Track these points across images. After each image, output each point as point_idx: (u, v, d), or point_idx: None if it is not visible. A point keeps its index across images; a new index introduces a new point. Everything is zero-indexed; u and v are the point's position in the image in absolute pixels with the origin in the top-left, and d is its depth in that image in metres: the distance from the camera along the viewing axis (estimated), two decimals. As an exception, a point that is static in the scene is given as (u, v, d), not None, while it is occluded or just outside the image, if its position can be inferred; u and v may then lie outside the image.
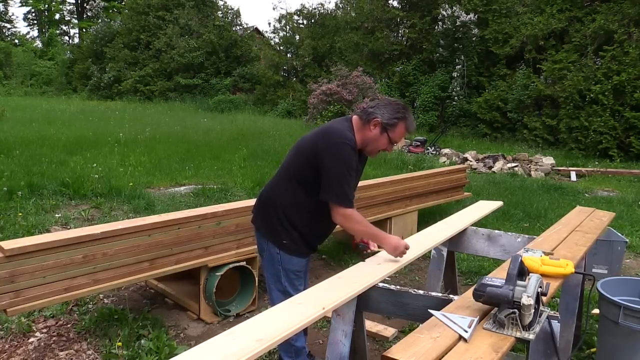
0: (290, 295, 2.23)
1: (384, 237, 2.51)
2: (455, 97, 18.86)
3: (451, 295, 2.06)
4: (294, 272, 2.57)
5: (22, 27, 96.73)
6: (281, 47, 28.17)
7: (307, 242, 2.58)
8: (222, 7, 31.44)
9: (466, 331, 1.67)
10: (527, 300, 1.65)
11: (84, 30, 42.97)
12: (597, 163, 12.75)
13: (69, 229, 5.17)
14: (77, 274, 2.91)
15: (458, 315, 1.78)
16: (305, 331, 2.73)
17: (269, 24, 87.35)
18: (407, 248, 2.48)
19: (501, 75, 17.98)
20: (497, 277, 1.83)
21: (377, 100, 2.63)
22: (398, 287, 2.19)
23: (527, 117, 16.12)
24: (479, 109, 17.63)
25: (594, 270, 4.36)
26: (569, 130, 14.76)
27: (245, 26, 32.09)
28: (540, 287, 1.75)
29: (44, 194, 6.52)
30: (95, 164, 8.34)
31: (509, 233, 3.24)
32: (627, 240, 4.95)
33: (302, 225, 2.52)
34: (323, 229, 2.65)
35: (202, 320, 3.60)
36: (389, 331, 3.48)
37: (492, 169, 11.19)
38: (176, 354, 1.59)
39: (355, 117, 2.51)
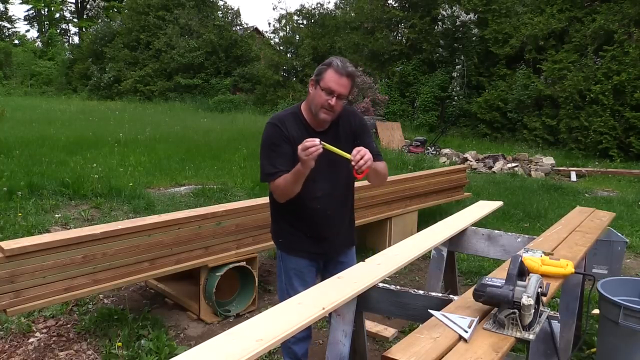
0: (289, 296, 2.17)
1: (297, 170, 2.21)
2: (455, 97, 18.86)
3: (451, 295, 2.06)
4: (294, 271, 2.54)
5: (22, 27, 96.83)
6: (281, 47, 28.18)
7: (303, 239, 2.48)
8: (222, 7, 31.49)
9: (466, 331, 1.67)
10: (527, 300, 1.65)
11: (84, 30, 42.97)
12: (597, 163, 12.76)
13: (69, 229, 5.17)
14: (77, 274, 2.91)
15: (458, 316, 1.78)
16: (309, 337, 2.69)
17: (269, 24, 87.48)
18: (309, 145, 2.09)
19: (501, 75, 17.98)
20: (497, 277, 1.83)
21: None
22: (398, 287, 2.19)
23: (527, 117, 16.13)
24: (479, 109, 17.64)
25: (594, 270, 4.36)
26: (569, 130, 14.77)
27: (245, 26, 32.11)
28: (540, 287, 1.75)
29: (44, 194, 6.52)
30: (95, 164, 8.34)
31: (509, 233, 3.24)
32: (627, 240, 4.95)
33: (290, 218, 2.48)
34: (312, 221, 2.46)
35: (202, 321, 3.60)
36: (389, 331, 3.48)
37: (492, 169, 11.20)
38: (176, 354, 1.59)
39: None
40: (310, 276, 2.57)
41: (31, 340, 3.25)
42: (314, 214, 2.46)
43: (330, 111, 2.33)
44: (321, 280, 2.43)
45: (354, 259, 2.67)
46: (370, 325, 3.46)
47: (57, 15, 49.45)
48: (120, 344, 3.10)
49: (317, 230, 2.50)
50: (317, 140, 2.10)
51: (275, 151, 2.35)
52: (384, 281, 2.23)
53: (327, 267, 2.62)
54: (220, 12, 30.79)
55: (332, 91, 2.28)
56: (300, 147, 2.12)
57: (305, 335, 2.61)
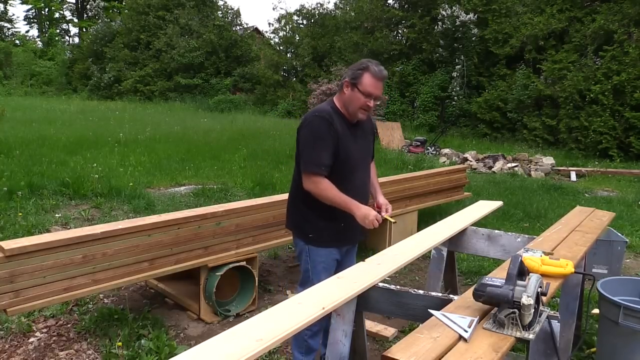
0: None
1: (353, 206, 2.47)
2: (455, 97, 18.87)
3: (451, 295, 2.06)
4: (322, 265, 2.60)
5: (22, 27, 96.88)
6: (281, 47, 28.20)
7: (334, 231, 2.58)
8: (222, 7, 31.47)
9: (466, 331, 1.67)
10: (527, 300, 1.65)
11: (84, 30, 42.97)
12: (597, 163, 12.75)
13: (69, 229, 5.17)
14: (77, 274, 2.90)
15: (458, 315, 1.78)
16: (325, 334, 2.71)
17: (269, 24, 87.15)
18: (377, 220, 2.46)
19: (501, 75, 17.99)
20: (497, 277, 1.83)
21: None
22: (398, 287, 2.19)
23: (527, 117, 16.14)
24: (479, 109, 17.64)
25: (594, 270, 4.36)
26: (569, 130, 14.77)
27: (245, 26, 32.10)
28: (540, 287, 1.75)
29: (44, 194, 6.52)
30: (95, 164, 8.34)
31: (509, 233, 3.23)
32: (627, 240, 4.95)
33: (322, 212, 2.53)
34: (342, 213, 2.54)
35: (202, 320, 3.60)
36: (389, 331, 3.48)
37: (492, 169, 11.20)
38: (176, 354, 1.59)
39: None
40: (333, 270, 2.65)
41: (31, 340, 3.25)
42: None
43: (367, 111, 2.53)
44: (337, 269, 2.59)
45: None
46: (370, 325, 3.46)
47: (57, 15, 49.44)
48: (120, 343, 3.10)
49: (351, 217, 2.52)
50: (379, 218, 2.47)
51: (324, 144, 2.46)
52: (384, 281, 2.23)
53: (341, 261, 2.71)
54: (220, 12, 30.78)
55: (370, 94, 2.46)
56: (366, 216, 2.43)
57: (320, 328, 2.65)
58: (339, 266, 2.66)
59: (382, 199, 2.71)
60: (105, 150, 10.05)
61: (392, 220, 2.63)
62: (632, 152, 13.43)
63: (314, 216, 2.59)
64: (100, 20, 34.38)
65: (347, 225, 2.60)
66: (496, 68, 18.33)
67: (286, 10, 36.14)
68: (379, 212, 2.64)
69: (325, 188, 2.46)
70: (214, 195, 7.08)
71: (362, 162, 2.66)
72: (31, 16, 49.59)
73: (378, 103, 2.55)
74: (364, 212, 2.44)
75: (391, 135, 14.47)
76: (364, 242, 5.00)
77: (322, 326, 2.66)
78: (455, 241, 3.22)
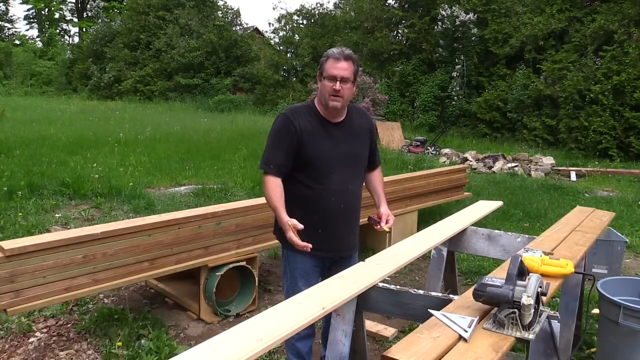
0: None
1: (278, 214, 2.37)
2: (455, 97, 18.86)
3: (451, 295, 2.06)
4: (299, 271, 2.53)
5: (22, 27, 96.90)
6: (281, 47, 28.18)
7: (311, 238, 2.37)
8: (222, 7, 31.46)
9: (466, 331, 1.67)
10: (527, 300, 1.65)
11: (84, 30, 42.97)
12: (597, 163, 12.76)
13: (69, 229, 5.17)
14: (77, 274, 2.91)
15: (458, 315, 1.78)
16: (313, 335, 2.69)
17: (269, 24, 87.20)
18: (292, 240, 2.32)
19: (501, 75, 17.98)
20: (497, 277, 1.83)
21: None
22: (398, 287, 2.19)
23: (526, 117, 16.14)
24: (479, 109, 17.64)
25: (594, 270, 4.36)
26: (568, 130, 14.77)
27: (245, 26, 32.10)
28: (540, 287, 1.75)
29: (44, 194, 6.52)
30: (95, 164, 8.35)
31: (509, 233, 3.23)
32: (627, 240, 4.95)
33: (299, 216, 2.37)
34: (326, 214, 2.46)
35: (202, 320, 3.60)
36: (389, 331, 3.48)
37: (492, 169, 11.19)
38: (176, 354, 1.59)
39: None
40: (314, 277, 2.56)
41: (31, 339, 3.25)
42: (328, 207, 2.47)
43: (337, 96, 2.38)
44: None
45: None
46: (370, 325, 3.46)
47: (57, 15, 49.43)
48: (120, 343, 3.10)
49: (330, 224, 2.47)
50: (294, 241, 2.29)
51: (279, 143, 2.43)
52: (384, 281, 2.23)
53: (331, 270, 2.55)
54: (220, 12, 30.77)
55: (333, 77, 2.35)
56: (288, 231, 2.28)
57: (309, 332, 2.62)
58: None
59: (384, 210, 2.61)
60: (105, 150, 10.05)
61: (387, 230, 2.58)
62: (632, 152, 13.44)
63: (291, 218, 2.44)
64: (100, 20, 34.38)
65: (328, 234, 2.48)
66: (496, 68, 18.33)
67: (286, 10, 36.16)
68: (379, 223, 2.57)
69: (266, 187, 2.39)
70: (214, 195, 7.08)
71: (344, 163, 2.48)
72: (31, 16, 49.58)
73: (348, 86, 2.37)
74: (281, 225, 2.35)
75: (391, 135, 14.48)
76: (364, 242, 5.00)
77: (312, 331, 2.63)
78: (455, 241, 3.22)
